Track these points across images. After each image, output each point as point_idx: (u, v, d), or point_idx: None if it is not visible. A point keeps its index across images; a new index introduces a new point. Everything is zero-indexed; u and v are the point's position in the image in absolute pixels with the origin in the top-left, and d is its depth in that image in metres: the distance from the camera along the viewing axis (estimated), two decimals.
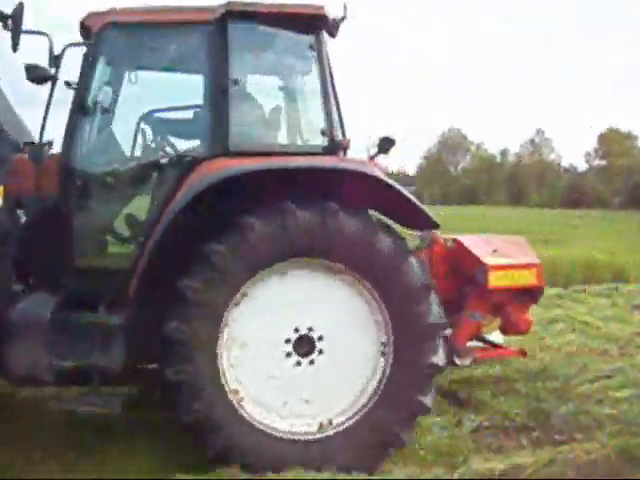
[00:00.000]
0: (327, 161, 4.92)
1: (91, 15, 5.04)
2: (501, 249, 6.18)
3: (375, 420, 4.75)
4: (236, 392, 4.66)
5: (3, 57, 5.59)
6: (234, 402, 4.63)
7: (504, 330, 6.45)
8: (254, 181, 4.54)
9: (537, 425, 5.73)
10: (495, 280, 5.82)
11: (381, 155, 5.45)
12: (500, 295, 6.02)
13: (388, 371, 4.80)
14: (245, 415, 4.64)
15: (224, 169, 4.58)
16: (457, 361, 6.03)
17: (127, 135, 5.49)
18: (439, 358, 4.84)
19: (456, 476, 4.69)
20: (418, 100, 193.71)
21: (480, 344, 6.55)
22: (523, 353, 6.62)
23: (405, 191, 4.85)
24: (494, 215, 43.66)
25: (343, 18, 5.22)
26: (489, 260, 5.90)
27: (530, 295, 6.19)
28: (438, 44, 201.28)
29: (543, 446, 5.24)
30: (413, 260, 4.82)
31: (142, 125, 5.49)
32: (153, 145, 5.46)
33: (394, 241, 4.74)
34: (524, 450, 5.18)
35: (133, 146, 5.51)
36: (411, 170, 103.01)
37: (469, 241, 6.32)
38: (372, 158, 5.45)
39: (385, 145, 5.38)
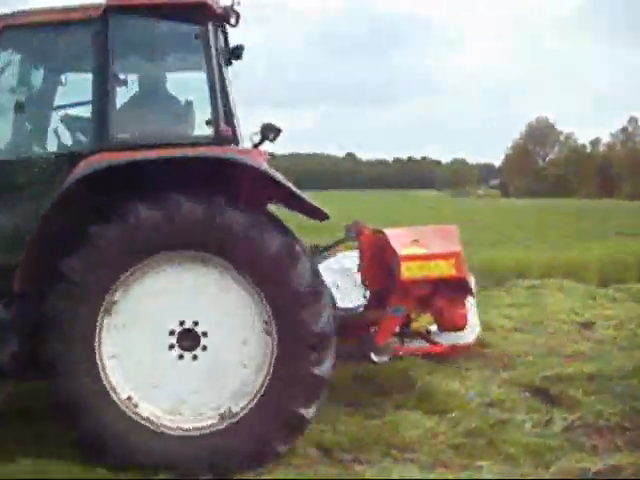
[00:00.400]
0: (201, 151, 4.72)
1: None
2: (424, 240, 5.75)
3: (251, 427, 4.59)
4: (111, 376, 4.63)
5: None
6: (107, 386, 4.58)
7: (440, 326, 5.97)
8: (131, 172, 4.50)
9: (633, 425, 5.45)
10: (407, 271, 5.41)
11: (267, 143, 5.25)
12: (422, 288, 5.61)
13: (268, 380, 4.62)
14: (117, 401, 4.59)
15: (90, 164, 4.57)
16: (374, 358, 5.69)
17: (27, 132, 5.57)
18: (324, 369, 4.65)
19: (547, 475, 4.56)
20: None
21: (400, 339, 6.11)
22: (454, 349, 6.21)
23: (286, 182, 4.70)
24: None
25: (231, 7, 5.06)
26: (402, 251, 5.51)
27: (460, 288, 5.68)
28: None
29: None
30: (304, 263, 4.64)
31: (40, 122, 5.52)
32: (46, 142, 5.49)
33: (283, 241, 4.58)
34: (620, 451, 4.95)
35: (29, 143, 5.54)
36: (497, 162, 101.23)
37: (394, 232, 5.92)
38: (256, 146, 5.22)
39: (268, 133, 5.16)
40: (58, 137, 5.42)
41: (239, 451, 4.53)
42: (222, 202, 4.48)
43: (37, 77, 5.58)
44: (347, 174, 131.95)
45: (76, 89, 5.44)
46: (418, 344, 6.09)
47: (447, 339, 6.21)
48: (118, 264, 4.55)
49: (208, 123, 4.97)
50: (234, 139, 5.11)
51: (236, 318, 4.72)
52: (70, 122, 5.45)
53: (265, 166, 4.66)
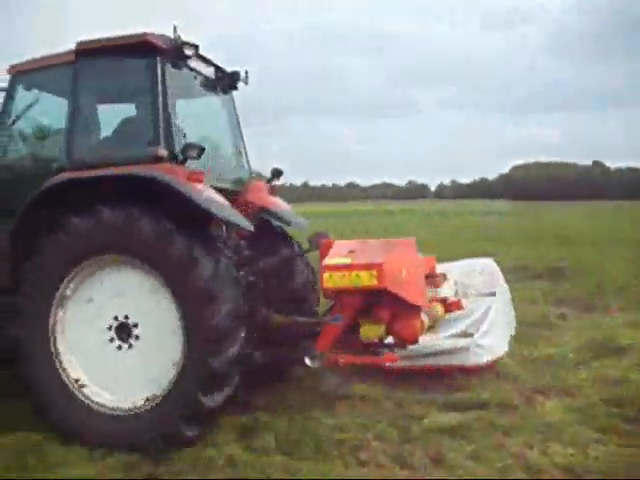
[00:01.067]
0: (130, 169, 5.37)
1: (11, 66, 6.38)
2: (362, 251, 5.75)
3: (166, 412, 5.14)
4: (66, 363, 5.48)
5: None
6: (61, 373, 5.42)
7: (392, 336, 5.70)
8: (82, 188, 5.39)
9: None
10: (329, 280, 5.42)
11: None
12: (357, 298, 5.51)
13: (179, 371, 5.13)
14: (68, 383, 5.42)
15: (49, 181, 5.51)
16: (307, 362, 5.72)
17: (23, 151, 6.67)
18: (224, 362, 5.04)
19: None
20: None
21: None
22: (391, 359, 5.87)
23: (201, 199, 5.15)
24: None
25: (177, 41, 5.76)
26: (328, 261, 5.58)
27: (406, 301, 5.40)
28: None
29: None
30: (204, 265, 5.08)
31: (33, 142, 6.46)
32: (37, 160, 6.42)
33: (185, 245, 5.07)
34: None
35: (19, 161, 6.53)
36: None
37: (342, 243, 6.09)
38: (268, 182, 7.20)
39: (276, 174, 7.29)
40: (46, 155, 6.33)
41: (157, 433, 5.07)
42: (137, 212, 5.18)
43: (41, 106, 6.44)
44: (595, 183, 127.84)
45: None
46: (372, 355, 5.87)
47: (455, 357, 6.37)
48: (61, 267, 5.43)
49: (148, 144, 5.56)
50: (173, 158, 5.54)
51: (161, 314, 5.30)
52: (52, 143, 6.26)
53: (178, 183, 5.19)
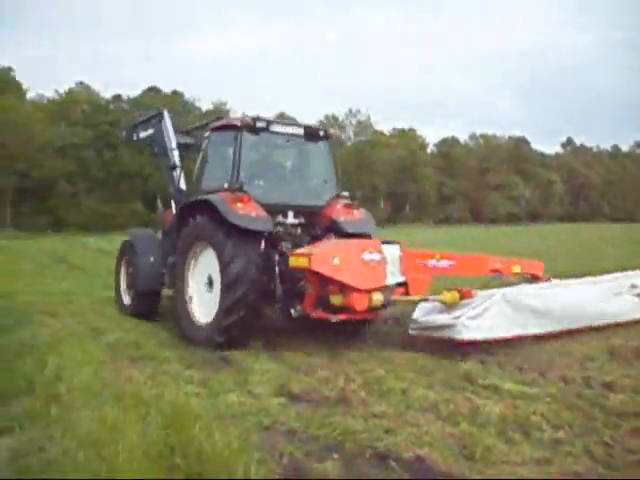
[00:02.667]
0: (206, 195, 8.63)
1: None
2: (321, 244, 8.21)
3: (212, 326, 8.08)
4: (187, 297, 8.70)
5: None
6: (187, 301, 8.66)
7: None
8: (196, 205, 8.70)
9: None
10: (292, 262, 7.64)
11: None
12: (315, 275, 7.52)
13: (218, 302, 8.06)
14: (189, 310, 8.59)
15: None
16: (292, 312, 8.05)
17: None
18: (229, 304, 7.74)
19: None
20: None
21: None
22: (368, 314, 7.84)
23: (224, 209, 8.01)
24: None
25: (251, 120, 8.81)
26: (297, 250, 7.92)
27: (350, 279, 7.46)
28: None
29: None
30: (235, 262, 7.82)
31: None
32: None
33: (228, 245, 7.94)
34: None
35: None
36: None
37: (324, 241, 8.58)
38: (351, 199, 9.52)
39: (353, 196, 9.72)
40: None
41: (208, 336, 8.02)
42: (207, 220, 8.34)
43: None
44: None
45: None
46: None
47: (445, 331, 7.61)
48: (187, 246, 8.76)
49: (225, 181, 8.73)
50: (237, 189, 8.32)
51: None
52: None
53: (219, 202, 8.23)
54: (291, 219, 9.02)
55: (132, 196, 69.44)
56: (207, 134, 9.57)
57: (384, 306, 7.77)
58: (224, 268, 7.86)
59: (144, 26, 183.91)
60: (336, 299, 7.53)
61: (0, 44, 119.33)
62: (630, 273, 9.93)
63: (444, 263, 8.64)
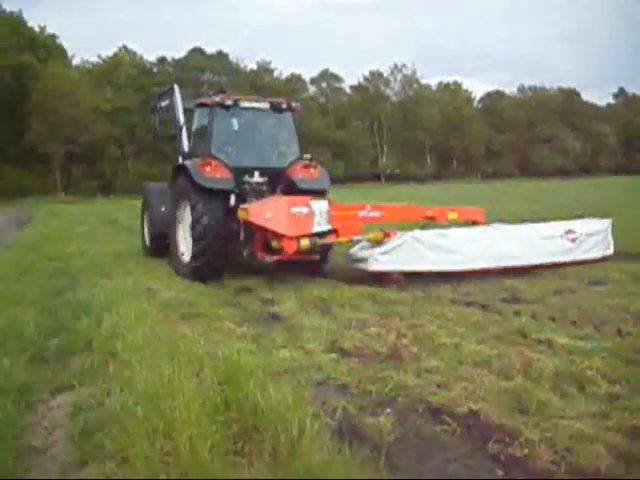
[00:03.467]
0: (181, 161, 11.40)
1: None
2: (264, 201, 9.98)
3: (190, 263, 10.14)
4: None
5: None
6: (179, 243, 10.77)
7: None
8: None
9: None
10: (239, 214, 9.68)
11: None
12: (253, 224, 9.56)
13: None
14: (179, 250, 10.72)
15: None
16: (244, 254, 10.16)
17: None
18: (197, 247, 9.82)
19: None
20: None
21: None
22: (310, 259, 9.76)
23: (193, 171, 9.98)
24: None
25: (221, 100, 10.86)
26: (242, 205, 9.90)
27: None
28: None
29: None
30: (199, 212, 9.73)
31: None
32: None
33: (196, 201, 9.83)
34: None
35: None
36: None
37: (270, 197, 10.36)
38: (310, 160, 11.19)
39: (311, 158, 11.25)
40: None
41: (191, 269, 10.10)
42: (183, 181, 10.51)
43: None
44: None
45: None
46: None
47: (362, 264, 9.54)
48: (175, 200, 10.97)
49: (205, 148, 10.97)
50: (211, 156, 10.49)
51: None
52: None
53: (190, 165, 10.26)
54: (257, 178, 10.67)
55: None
56: (194, 109, 11.77)
57: (312, 249, 9.37)
58: (193, 223, 9.80)
59: None
60: (274, 244, 9.44)
61: (45, 11, 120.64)
62: (571, 221, 11.27)
63: (375, 213, 10.34)
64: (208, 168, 9.95)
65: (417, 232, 9.52)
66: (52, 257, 12.61)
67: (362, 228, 10.05)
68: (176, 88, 13.07)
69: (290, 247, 9.17)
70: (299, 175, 10.72)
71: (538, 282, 8.51)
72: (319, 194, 10.25)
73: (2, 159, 62.43)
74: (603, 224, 11.45)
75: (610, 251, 11.37)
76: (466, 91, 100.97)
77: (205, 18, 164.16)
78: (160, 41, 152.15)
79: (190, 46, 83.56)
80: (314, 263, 10.17)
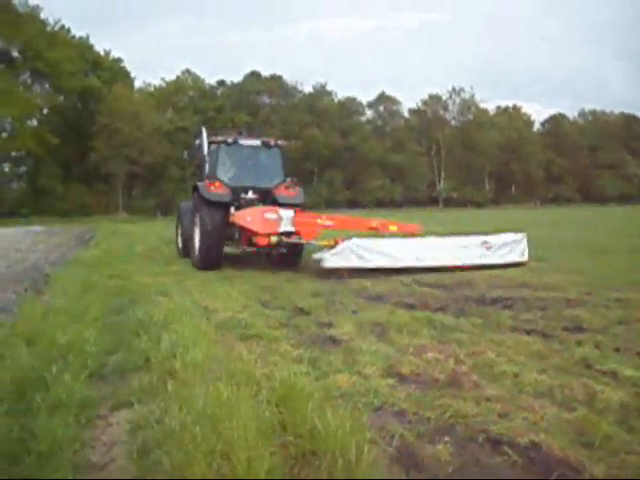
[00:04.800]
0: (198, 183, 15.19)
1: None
2: (251, 210, 13.74)
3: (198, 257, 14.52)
4: None
5: None
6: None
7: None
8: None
9: None
10: (230, 219, 13.86)
11: None
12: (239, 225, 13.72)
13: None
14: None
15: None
16: (232, 248, 14.80)
17: None
18: (204, 245, 14.02)
19: None
20: None
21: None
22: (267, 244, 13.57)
23: (202, 189, 14.23)
24: None
25: (225, 138, 15.43)
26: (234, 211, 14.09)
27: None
28: None
29: None
30: (202, 220, 13.85)
31: None
32: None
33: (198, 210, 14.19)
34: None
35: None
36: None
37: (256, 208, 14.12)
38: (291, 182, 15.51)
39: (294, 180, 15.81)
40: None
41: (199, 262, 14.58)
42: (197, 198, 14.69)
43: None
44: None
45: None
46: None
47: (318, 262, 13.01)
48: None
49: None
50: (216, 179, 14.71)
51: None
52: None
53: (200, 185, 14.67)
54: (250, 195, 14.67)
55: None
56: (210, 144, 15.76)
57: (280, 244, 13.56)
58: (200, 227, 13.89)
59: (243, 11, 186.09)
60: (254, 239, 13.65)
61: (109, 35, 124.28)
62: (488, 235, 14.34)
63: (329, 222, 13.89)
64: (212, 187, 14.03)
65: (355, 240, 12.80)
66: (113, 275, 12.85)
67: (319, 233, 13.87)
68: (203, 130, 16.44)
69: (263, 241, 13.47)
70: (282, 193, 14.68)
71: (601, 311, 8.25)
72: (296, 206, 14.15)
73: (67, 179, 64.40)
74: (517, 237, 14.33)
75: (525, 258, 14.13)
76: (525, 114, 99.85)
77: (263, 41, 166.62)
78: (221, 64, 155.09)
79: (248, 69, 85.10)
80: (291, 258, 14.52)
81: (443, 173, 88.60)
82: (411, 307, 8.88)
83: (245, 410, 3.99)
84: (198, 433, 3.73)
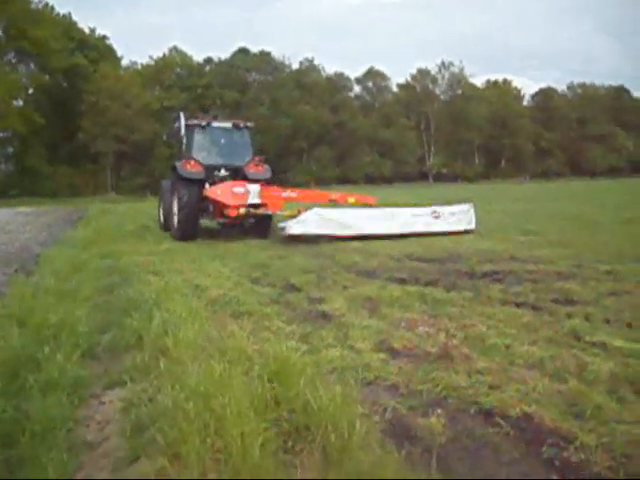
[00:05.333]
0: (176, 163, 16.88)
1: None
2: (220, 184, 15.70)
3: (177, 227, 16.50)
4: None
5: None
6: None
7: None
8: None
9: None
10: (204, 193, 15.57)
11: None
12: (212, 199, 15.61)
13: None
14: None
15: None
16: (208, 219, 16.70)
17: None
18: (181, 216, 15.97)
19: None
20: None
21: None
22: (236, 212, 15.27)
23: (179, 167, 15.98)
24: None
25: (198, 122, 17.38)
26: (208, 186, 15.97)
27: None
28: None
29: None
30: (180, 193, 15.81)
31: None
32: None
33: (176, 185, 16.15)
34: None
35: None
36: None
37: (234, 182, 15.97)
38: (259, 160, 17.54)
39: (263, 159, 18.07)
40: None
41: (177, 232, 16.67)
42: (175, 177, 16.60)
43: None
44: None
45: None
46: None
47: (283, 229, 14.82)
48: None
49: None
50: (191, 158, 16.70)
51: None
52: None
53: (178, 165, 16.36)
54: (223, 172, 16.49)
55: None
56: (187, 127, 17.08)
57: (248, 215, 15.53)
58: (177, 201, 15.72)
59: None
60: (225, 212, 15.39)
61: (94, 13, 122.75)
62: (438, 206, 16.28)
63: (293, 194, 16.04)
64: (188, 166, 15.86)
65: (316, 209, 14.62)
66: (104, 255, 12.81)
67: (284, 204, 15.88)
68: (181, 115, 17.72)
69: (232, 213, 15.29)
70: (251, 170, 16.49)
71: (591, 283, 8.29)
72: (264, 181, 16.10)
73: (55, 159, 63.92)
74: (464, 207, 16.24)
75: (472, 226, 15.95)
76: (515, 88, 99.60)
77: (250, 18, 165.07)
78: (209, 42, 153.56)
79: (236, 46, 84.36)
80: (261, 228, 16.42)
81: (433, 148, 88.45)
82: (402, 282, 8.90)
83: (238, 386, 4.00)
84: (191, 410, 3.74)
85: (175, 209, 15.99)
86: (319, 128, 78.84)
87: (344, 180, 75.63)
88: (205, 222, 16.89)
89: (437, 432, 3.89)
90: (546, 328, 6.21)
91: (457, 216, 15.84)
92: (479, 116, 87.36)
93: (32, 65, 66.41)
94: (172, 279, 8.93)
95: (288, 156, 76.29)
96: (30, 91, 67.07)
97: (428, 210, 15.74)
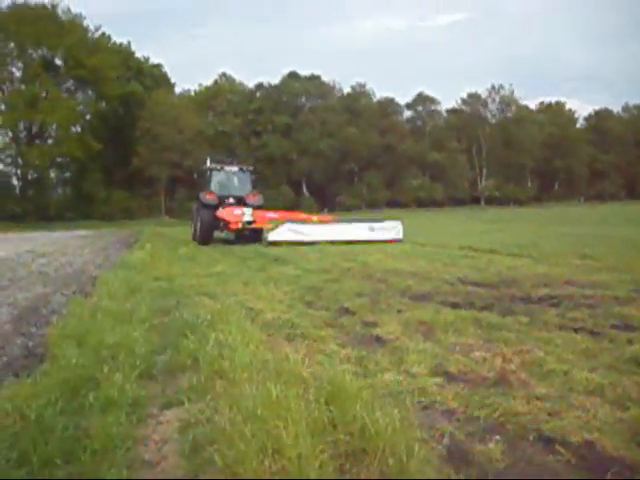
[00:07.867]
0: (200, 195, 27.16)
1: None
2: (227, 208, 24.78)
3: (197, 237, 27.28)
4: None
5: None
6: None
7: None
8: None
9: None
10: (216, 214, 24.71)
11: None
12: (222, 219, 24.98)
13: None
14: None
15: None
16: (221, 232, 26.12)
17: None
18: (201, 231, 26.20)
19: None
20: None
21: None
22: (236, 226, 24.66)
23: (202, 197, 26.17)
24: None
25: (216, 167, 27.86)
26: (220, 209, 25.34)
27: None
28: None
29: None
30: (201, 216, 25.91)
31: None
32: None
33: (198, 212, 26.34)
34: None
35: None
36: None
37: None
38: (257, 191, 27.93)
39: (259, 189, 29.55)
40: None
41: (198, 239, 27.45)
42: (199, 204, 27.08)
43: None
44: None
45: None
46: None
47: (265, 239, 23.48)
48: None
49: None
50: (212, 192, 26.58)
51: None
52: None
53: (201, 195, 26.71)
54: (231, 201, 25.16)
55: (278, 180, 71.27)
56: (208, 169, 26.86)
57: (245, 229, 24.34)
58: (198, 220, 25.32)
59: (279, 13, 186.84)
60: (230, 226, 24.22)
61: (150, 42, 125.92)
62: (374, 222, 24.07)
63: (274, 215, 24.60)
64: (207, 195, 25.18)
65: (287, 224, 22.43)
66: (158, 277, 13.01)
67: (268, 222, 23.68)
68: (208, 158, 27.67)
69: (234, 226, 24.14)
70: (250, 199, 25.39)
71: None
72: (257, 207, 24.95)
73: (111, 183, 65.43)
74: (394, 223, 23.60)
75: (400, 237, 22.95)
76: (569, 110, 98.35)
77: (300, 43, 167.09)
78: (258, 68, 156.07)
79: (285, 71, 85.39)
80: (255, 237, 24.17)
81: (485, 171, 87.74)
82: (456, 306, 8.81)
83: (294, 409, 4.01)
84: (248, 431, 3.76)
85: (198, 225, 25.37)
86: (368, 151, 79.04)
87: (394, 204, 75.50)
88: (219, 234, 26.00)
89: (495, 458, 3.83)
90: (606, 354, 6.06)
91: (387, 230, 23.26)
92: (531, 139, 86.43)
93: (90, 92, 68.35)
94: (226, 302, 9.00)
95: (338, 180, 76.62)
96: (87, 117, 68.99)
97: (366, 225, 23.48)
